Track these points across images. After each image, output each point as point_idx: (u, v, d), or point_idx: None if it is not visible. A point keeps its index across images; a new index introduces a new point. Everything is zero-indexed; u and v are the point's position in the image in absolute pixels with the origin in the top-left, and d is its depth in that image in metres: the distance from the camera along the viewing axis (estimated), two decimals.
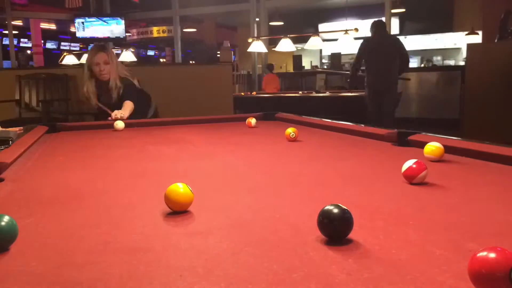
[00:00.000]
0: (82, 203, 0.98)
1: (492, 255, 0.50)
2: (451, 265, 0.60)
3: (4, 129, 1.98)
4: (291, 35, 6.15)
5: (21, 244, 0.71)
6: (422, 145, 1.40)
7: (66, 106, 5.46)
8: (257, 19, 8.00)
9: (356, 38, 6.82)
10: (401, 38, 10.30)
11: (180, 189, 0.86)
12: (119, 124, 2.34)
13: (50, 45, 13.83)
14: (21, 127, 2.15)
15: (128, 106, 2.80)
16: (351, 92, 5.90)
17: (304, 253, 0.66)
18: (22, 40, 13.09)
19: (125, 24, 8.55)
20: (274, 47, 6.43)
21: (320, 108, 5.62)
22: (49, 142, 1.95)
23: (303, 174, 1.28)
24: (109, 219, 0.86)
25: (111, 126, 2.36)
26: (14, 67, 7.70)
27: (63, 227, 0.81)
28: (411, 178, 1.05)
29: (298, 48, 9.50)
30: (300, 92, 6.46)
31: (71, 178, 1.25)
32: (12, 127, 2.18)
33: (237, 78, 8.86)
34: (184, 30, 10.94)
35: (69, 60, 7.46)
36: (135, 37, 12.91)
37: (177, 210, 0.87)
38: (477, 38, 8.49)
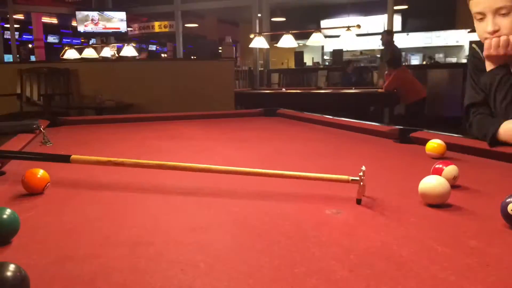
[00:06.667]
0: (83, 197, 0.98)
1: None
2: (453, 262, 0.60)
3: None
4: (293, 31, 6.12)
5: (22, 237, 0.71)
6: (424, 142, 1.40)
7: (67, 100, 5.46)
8: (259, 15, 7.97)
9: (358, 35, 6.79)
10: (403, 35, 10.35)
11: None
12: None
13: (52, 39, 13.82)
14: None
15: None
16: (352, 89, 5.89)
17: (306, 248, 0.66)
18: (24, 33, 13.07)
19: (127, 18, 8.54)
20: (276, 43, 6.41)
21: (322, 104, 5.62)
22: (50, 137, 1.95)
23: (304, 170, 1.27)
24: (110, 213, 0.86)
25: (111, 121, 2.31)
26: (15, 61, 7.70)
27: (65, 221, 0.82)
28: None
29: (300, 44, 9.47)
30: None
31: (72, 172, 1.25)
32: (13, 121, 2.14)
33: (238, 73, 8.84)
34: (186, 25, 10.91)
35: (71, 54, 7.43)
36: (137, 32, 12.86)
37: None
38: None
